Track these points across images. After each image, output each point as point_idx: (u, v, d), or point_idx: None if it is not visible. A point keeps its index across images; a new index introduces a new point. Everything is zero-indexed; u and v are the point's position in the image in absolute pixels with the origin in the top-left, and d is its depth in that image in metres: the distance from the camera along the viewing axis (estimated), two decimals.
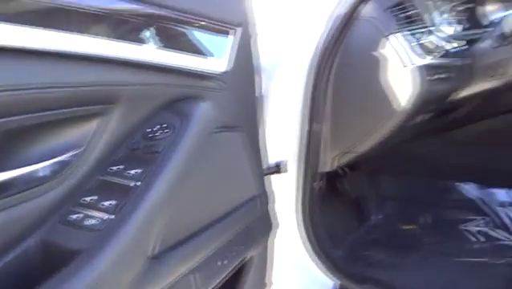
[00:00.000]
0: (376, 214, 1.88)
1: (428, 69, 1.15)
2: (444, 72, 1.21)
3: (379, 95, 1.16)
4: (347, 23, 1.14)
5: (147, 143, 0.68)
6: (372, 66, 1.15)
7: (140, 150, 0.67)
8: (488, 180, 1.76)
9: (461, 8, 1.51)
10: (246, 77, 0.80)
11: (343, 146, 1.26)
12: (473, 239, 1.71)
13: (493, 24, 1.33)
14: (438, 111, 1.44)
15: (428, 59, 1.18)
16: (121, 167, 0.66)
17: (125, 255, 0.60)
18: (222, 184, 0.75)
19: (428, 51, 1.18)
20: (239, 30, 0.70)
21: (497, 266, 1.56)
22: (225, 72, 0.69)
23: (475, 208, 1.79)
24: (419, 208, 1.85)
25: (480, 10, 1.53)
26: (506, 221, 1.72)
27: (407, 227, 1.83)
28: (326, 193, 1.44)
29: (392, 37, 1.15)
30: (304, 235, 1.25)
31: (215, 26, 0.68)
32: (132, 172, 0.65)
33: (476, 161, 1.75)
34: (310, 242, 1.25)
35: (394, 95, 1.14)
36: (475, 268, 1.56)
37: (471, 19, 1.52)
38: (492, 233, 1.71)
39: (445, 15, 1.45)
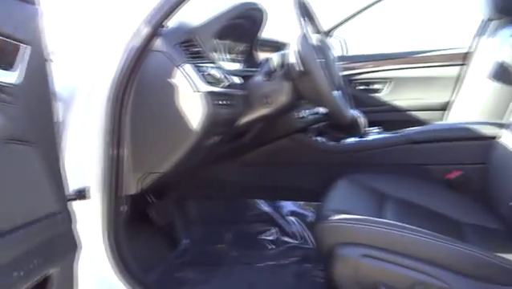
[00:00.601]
0: (186, 238, 1.99)
1: (214, 95, 1.34)
2: (227, 100, 1.43)
3: (173, 119, 1.30)
4: (140, 55, 1.25)
5: None
6: (166, 92, 1.29)
7: None
8: (277, 195, 2.07)
9: (239, 50, 1.81)
10: (41, 97, 0.84)
11: (145, 168, 1.35)
12: (269, 246, 1.98)
13: (262, 63, 1.64)
14: (229, 136, 1.66)
15: (214, 88, 1.38)
16: None
17: None
18: (16, 195, 0.75)
19: (212, 81, 1.39)
20: (29, 48, 0.74)
21: (287, 266, 1.83)
22: (15, 85, 0.72)
23: (269, 220, 2.06)
24: (223, 227, 2.04)
25: (254, 53, 1.86)
26: (293, 227, 2.04)
27: (215, 246, 1.99)
28: (136, 220, 1.50)
29: (182, 67, 1.31)
30: (112, 259, 1.28)
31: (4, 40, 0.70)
32: None
33: (266, 180, 2.03)
34: (118, 265, 1.29)
35: (186, 118, 1.30)
36: (271, 270, 1.80)
37: (247, 59, 1.83)
38: (283, 239, 2.00)
39: (227, 55, 1.72)
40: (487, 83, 2.17)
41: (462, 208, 1.66)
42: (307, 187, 1.95)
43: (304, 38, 1.52)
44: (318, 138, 2.04)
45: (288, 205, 2.11)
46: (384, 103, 2.63)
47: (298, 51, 1.50)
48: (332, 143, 2.02)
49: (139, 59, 1.25)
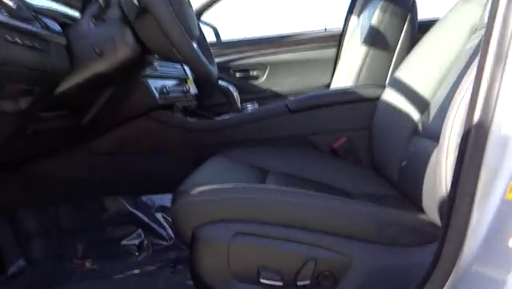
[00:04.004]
0: (18, 258, 1.51)
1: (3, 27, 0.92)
2: (33, 41, 0.99)
3: None
4: None
5: None
6: None
7: None
8: (140, 189, 1.68)
9: None
10: None
11: None
12: (135, 253, 1.59)
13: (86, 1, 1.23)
14: (46, 102, 1.23)
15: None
16: None
17: None
18: None
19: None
20: None
21: (155, 273, 1.47)
22: None
23: (132, 220, 1.67)
24: (72, 237, 1.60)
25: None
26: (162, 226, 1.67)
27: (61, 262, 1.55)
28: None
29: None
30: None
31: None
32: None
33: (123, 171, 1.64)
34: None
35: None
36: (134, 280, 1.42)
37: None
38: (150, 241, 1.63)
39: None
40: (365, 53, 2.04)
41: (352, 177, 1.45)
42: (176, 175, 1.59)
43: None
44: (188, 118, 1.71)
45: (155, 200, 1.73)
46: (264, 90, 2.44)
47: None
48: (203, 121, 1.71)
49: None
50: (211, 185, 1.00)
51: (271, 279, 0.91)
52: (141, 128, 1.61)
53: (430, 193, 1.09)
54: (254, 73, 2.45)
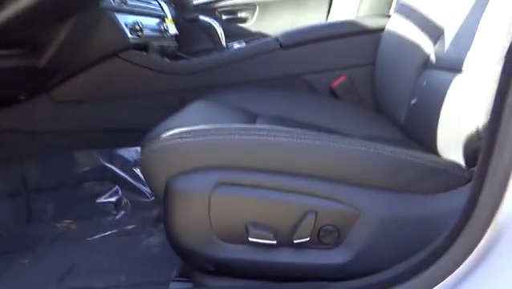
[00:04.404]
0: None
1: None
2: None
3: None
4: None
5: None
6: None
7: None
8: (113, 140, 1.50)
9: None
10: None
11: None
12: (112, 211, 1.43)
13: None
14: None
15: None
16: None
17: None
18: None
19: None
20: None
21: (132, 233, 1.31)
22: None
23: (107, 176, 1.49)
24: (41, 197, 1.43)
25: None
26: (142, 181, 1.50)
27: (29, 225, 1.38)
28: None
29: None
30: None
31: None
32: None
33: (93, 122, 1.45)
34: None
35: None
36: (108, 242, 1.26)
37: None
38: (128, 198, 1.46)
39: None
40: None
41: (353, 120, 1.28)
42: (155, 125, 1.41)
43: None
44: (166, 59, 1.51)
45: (132, 154, 1.55)
46: (254, 34, 2.22)
47: None
48: (183, 61, 1.51)
49: None
50: (187, 127, 0.81)
51: (262, 237, 0.74)
52: (111, 71, 1.41)
53: (449, 131, 0.93)
54: (243, 15, 2.21)
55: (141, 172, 0.87)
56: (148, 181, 0.86)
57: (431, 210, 0.75)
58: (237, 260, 0.76)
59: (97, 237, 1.29)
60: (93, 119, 1.45)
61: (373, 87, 1.38)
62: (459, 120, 0.87)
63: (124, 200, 1.45)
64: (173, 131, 0.80)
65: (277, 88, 1.42)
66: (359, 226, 0.75)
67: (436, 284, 0.62)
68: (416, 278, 0.64)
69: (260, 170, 0.75)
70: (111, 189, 1.47)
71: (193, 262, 0.82)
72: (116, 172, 1.48)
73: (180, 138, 0.78)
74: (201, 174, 0.76)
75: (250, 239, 0.74)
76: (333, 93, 1.40)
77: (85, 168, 1.47)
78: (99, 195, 1.45)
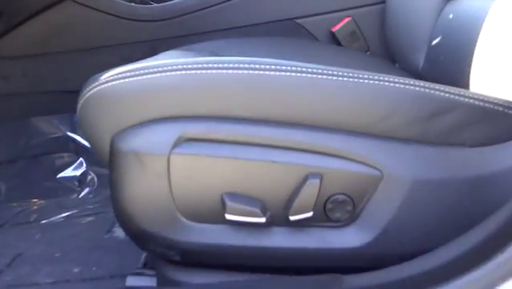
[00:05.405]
0: None
1: None
2: None
3: None
4: None
5: None
6: None
7: None
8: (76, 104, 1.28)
9: None
10: None
11: None
12: (78, 188, 1.22)
13: None
14: None
15: None
16: None
17: None
18: None
19: None
20: None
21: (106, 209, 1.10)
22: None
23: (70, 147, 1.28)
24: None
25: None
26: None
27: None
28: None
29: None
30: None
31: None
32: None
33: (49, 83, 1.22)
34: None
35: None
36: (67, 224, 1.05)
37: None
38: (97, 171, 1.25)
39: None
40: None
41: (360, 70, 1.06)
42: None
43: None
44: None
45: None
46: None
47: None
48: (152, 5, 1.27)
49: None
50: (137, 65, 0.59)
51: (245, 214, 0.52)
52: (66, 18, 1.17)
53: (487, 75, 0.71)
54: None
55: (79, 128, 0.66)
56: (90, 141, 0.64)
57: (483, 169, 0.53)
58: (210, 246, 0.55)
59: (55, 219, 1.08)
60: (49, 78, 1.22)
61: (383, 31, 1.16)
62: (502, 60, 0.65)
63: (90, 174, 1.24)
64: (116, 70, 0.57)
65: (266, 36, 1.20)
66: (381, 194, 0.53)
67: (505, 280, 0.41)
68: (474, 271, 0.42)
69: (239, 119, 0.52)
70: (74, 161, 1.26)
71: (153, 250, 0.60)
72: (80, 143, 1.27)
73: (125, 78, 0.55)
74: (157, 127, 0.53)
75: (228, 217, 0.52)
76: (335, 39, 1.18)
77: (42, 138, 1.26)
78: (60, 169, 1.25)
